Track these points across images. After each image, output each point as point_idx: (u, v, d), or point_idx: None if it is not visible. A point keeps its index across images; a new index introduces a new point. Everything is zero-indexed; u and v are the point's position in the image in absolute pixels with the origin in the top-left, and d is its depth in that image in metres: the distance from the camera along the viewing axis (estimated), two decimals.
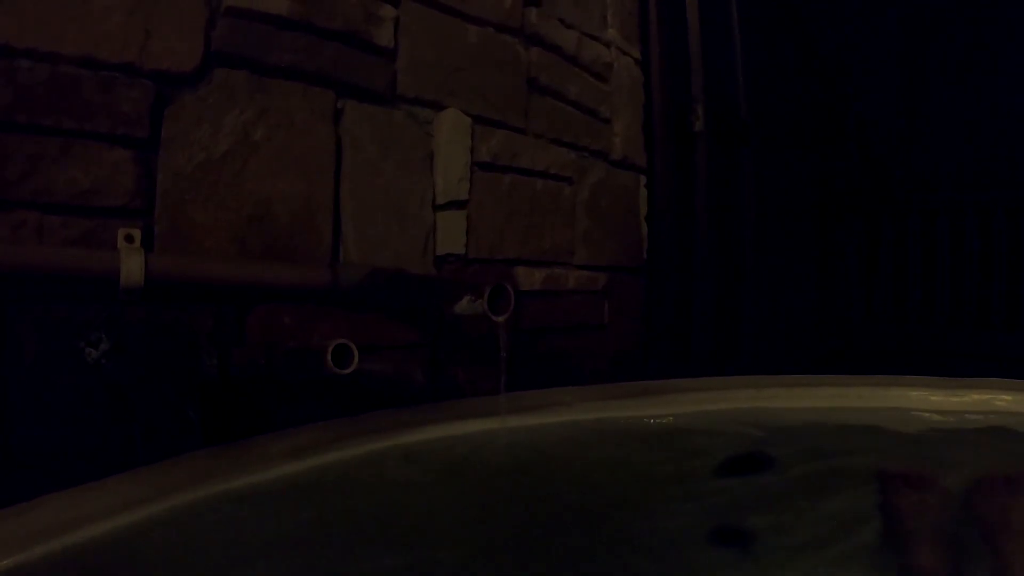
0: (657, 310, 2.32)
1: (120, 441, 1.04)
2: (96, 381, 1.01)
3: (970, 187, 5.49)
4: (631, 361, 2.26)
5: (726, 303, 2.75)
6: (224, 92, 1.26)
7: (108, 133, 1.10)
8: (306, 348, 1.13)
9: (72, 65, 1.08)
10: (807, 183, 4.86)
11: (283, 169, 1.32)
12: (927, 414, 1.69)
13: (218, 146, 1.24)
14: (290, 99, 1.35)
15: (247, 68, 1.29)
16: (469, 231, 1.65)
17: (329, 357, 1.11)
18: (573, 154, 2.00)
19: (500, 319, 1.33)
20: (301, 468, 1.01)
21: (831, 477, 1.51)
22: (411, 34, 1.58)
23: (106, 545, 0.82)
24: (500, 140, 1.75)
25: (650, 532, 1.33)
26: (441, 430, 1.15)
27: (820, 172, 5.20)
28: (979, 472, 1.43)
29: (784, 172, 4.13)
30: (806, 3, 4.76)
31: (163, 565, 0.85)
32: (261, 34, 1.32)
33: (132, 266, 1.04)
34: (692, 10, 2.42)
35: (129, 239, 1.08)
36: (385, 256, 1.45)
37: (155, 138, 1.16)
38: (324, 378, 1.15)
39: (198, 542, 0.89)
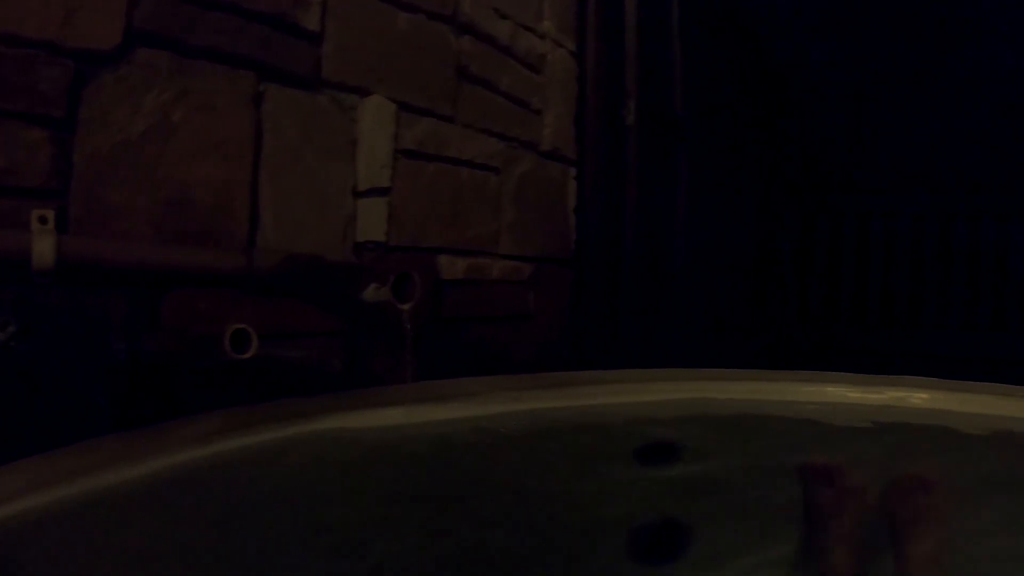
0: (585, 302, 2.45)
1: (32, 426, 1.10)
2: (4, 364, 1.07)
3: (905, 192, 5.82)
4: (558, 352, 2.38)
5: (655, 296, 2.90)
6: (145, 73, 1.31)
7: (26, 112, 1.15)
8: (211, 334, 1.20)
9: None
10: (747, 181, 5.08)
11: (202, 153, 1.39)
12: (844, 410, 1.77)
13: (136, 127, 1.29)
14: (212, 82, 1.42)
15: (170, 49, 1.34)
16: (391, 219, 1.73)
17: (227, 342, 1.18)
18: (502, 144, 2.10)
19: (405, 307, 1.42)
20: (204, 454, 1.07)
21: (750, 470, 1.61)
22: (339, 18, 1.64)
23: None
24: (426, 128, 1.84)
25: (563, 528, 1.44)
26: (340, 420, 1.22)
27: (760, 170, 5.45)
28: (894, 470, 1.53)
29: (723, 169, 4.31)
30: (753, 5, 4.95)
31: (50, 560, 0.90)
32: (186, 14, 1.37)
33: (43, 248, 1.10)
34: (631, 5, 2.54)
35: (43, 220, 1.14)
36: (304, 243, 1.53)
37: (72, 118, 1.21)
38: (237, 364, 1.23)
39: (89, 532, 0.94)
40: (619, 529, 1.49)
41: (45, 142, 1.18)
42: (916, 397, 1.78)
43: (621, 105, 2.50)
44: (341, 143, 1.65)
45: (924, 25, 6.02)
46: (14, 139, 1.15)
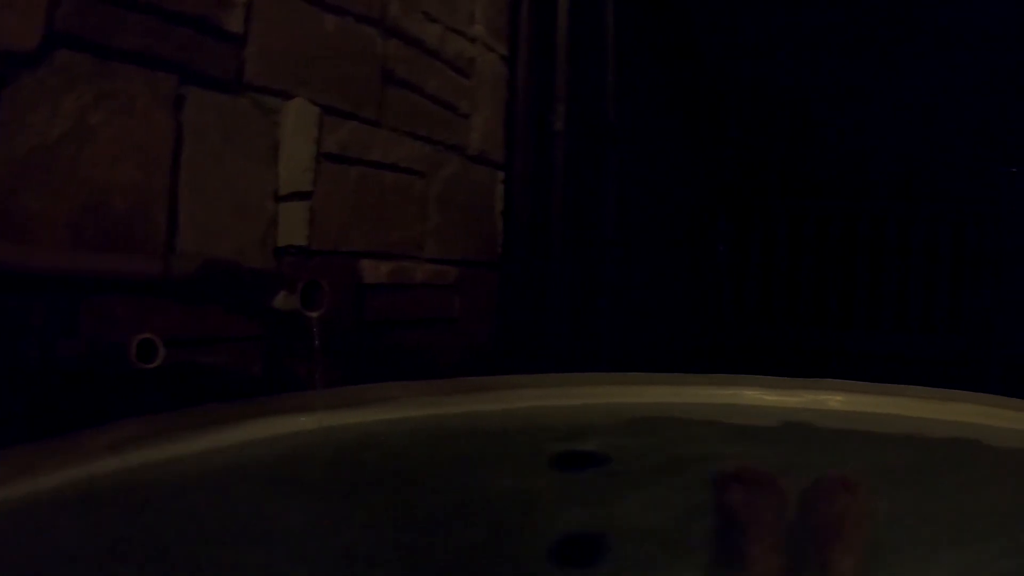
0: (512, 305, 2.53)
1: None
2: None
3: (838, 196, 6.06)
4: (485, 356, 2.45)
5: (584, 299, 2.99)
6: (64, 75, 1.33)
7: None
8: (122, 342, 1.24)
9: None
10: (682, 184, 5.23)
11: (122, 157, 1.42)
12: (760, 414, 1.84)
13: (54, 131, 1.32)
14: (133, 84, 1.44)
15: (90, 51, 1.36)
16: (312, 223, 1.78)
17: (133, 352, 1.22)
18: (428, 148, 2.16)
19: (314, 315, 1.48)
20: (113, 466, 1.11)
21: (668, 475, 1.65)
22: (264, 20, 1.68)
23: None
24: (350, 132, 1.89)
25: (476, 535, 1.49)
26: (249, 429, 1.27)
27: (696, 174, 5.62)
28: (812, 473, 1.55)
29: (658, 172, 4.44)
30: (692, 9, 5.11)
31: None
32: (107, 16, 1.39)
33: None
34: (563, 10, 2.63)
35: None
36: (224, 247, 1.57)
37: None
38: (156, 371, 1.27)
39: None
40: (536, 535, 1.55)
41: None
42: (833, 400, 1.85)
43: (550, 110, 2.59)
44: (263, 147, 1.69)
45: (858, 35, 6.28)
46: None
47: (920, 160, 6.25)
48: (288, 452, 1.32)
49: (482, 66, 2.39)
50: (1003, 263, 4.29)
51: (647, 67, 4.26)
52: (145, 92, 1.47)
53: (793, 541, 1.48)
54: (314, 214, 1.78)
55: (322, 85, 1.81)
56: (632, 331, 3.87)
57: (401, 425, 1.50)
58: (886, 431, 1.75)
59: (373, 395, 1.56)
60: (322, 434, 1.35)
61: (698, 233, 5.72)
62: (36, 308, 1.26)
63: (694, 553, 1.54)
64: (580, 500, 1.60)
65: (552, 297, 2.61)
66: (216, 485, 1.20)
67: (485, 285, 2.43)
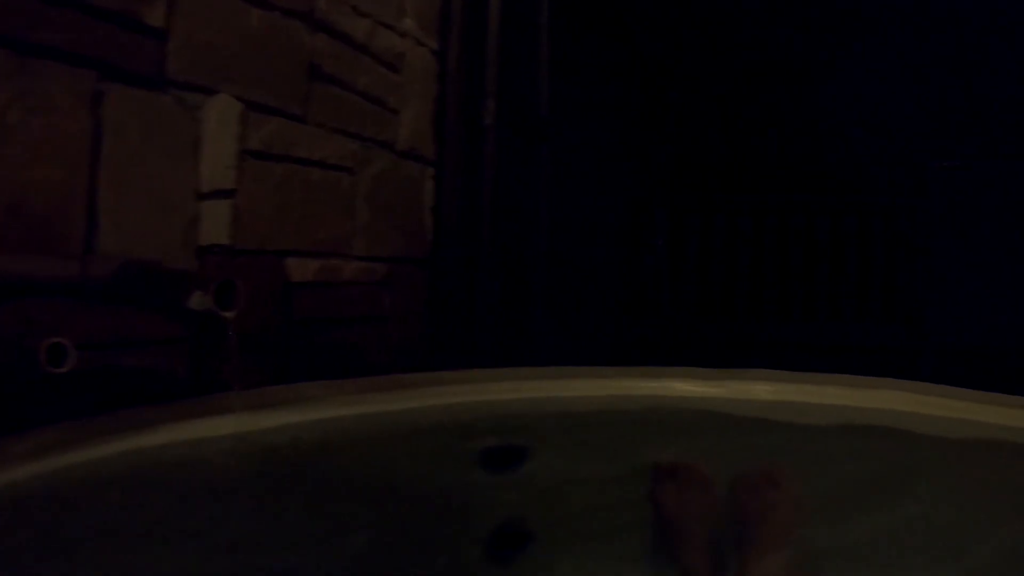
0: (442, 302, 2.57)
1: None
2: None
3: (773, 190, 6.28)
4: (415, 353, 2.49)
5: (516, 295, 3.06)
6: None
7: None
8: (34, 347, 1.25)
9: None
10: (622, 178, 5.34)
11: (40, 156, 1.42)
12: (689, 405, 1.86)
13: None
14: (52, 81, 1.44)
15: (8, 47, 1.36)
16: (236, 222, 1.79)
17: (43, 356, 1.23)
18: (356, 144, 2.19)
19: (229, 315, 1.50)
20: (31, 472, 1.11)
21: (598, 470, 1.69)
22: (187, 15, 1.68)
23: None
24: (275, 128, 1.90)
25: (401, 535, 1.48)
26: (166, 433, 1.29)
27: (636, 168, 5.76)
28: (740, 465, 1.62)
29: (596, 167, 4.53)
30: (629, 5, 5.23)
31: None
32: (27, 11, 1.39)
33: None
34: (495, 5, 2.68)
35: None
36: (145, 248, 1.58)
37: None
38: (77, 375, 1.29)
39: None
40: (463, 532, 1.58)
41: None
42: (759, 389, 1.88)
43: (481, 105, 2.64)
44: (185, 144, 1.70)
45: (793, 31, 6.49)
46: None
47: (854, 155, 6.50)
48: (204, 455, 1.33)
49: (412, 61, 2.43)
50: (932, 254, 4.50)
51: (584, 62, 4.35)
52: (65, 89, 1.47)
53: (721, 535, 1.54)
54: (238, 212, 1.80)
55: (246, 81, 1.83)
56: (568, 326, 3.95)
57: (322, 425, 1.51)
58: (813, 421, 1.80)
59: (295, 395, 1.57)
60: (239, 436, 1.36)
61: (636, 227, 5.85)
62: None
63: (627, 550, 1.59)
64: (508, 496, 1.63)
65: (482, 293, 2.66)
66: (131, 490, 1.22)
67: (415, 282, 2.48)
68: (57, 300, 1.42)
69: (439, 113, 2.53)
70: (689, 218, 6.00)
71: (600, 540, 1.60)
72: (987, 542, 1.53)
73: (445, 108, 2.52)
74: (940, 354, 4.49)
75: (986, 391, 1.82)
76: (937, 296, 4.45)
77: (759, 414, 1.82)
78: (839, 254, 5.82)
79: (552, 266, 3.38)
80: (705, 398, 1.86)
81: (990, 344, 4.46)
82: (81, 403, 1.36)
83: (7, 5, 1.37)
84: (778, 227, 5.92)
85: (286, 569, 1.25)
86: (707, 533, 1.54)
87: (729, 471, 1.60)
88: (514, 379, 1.88)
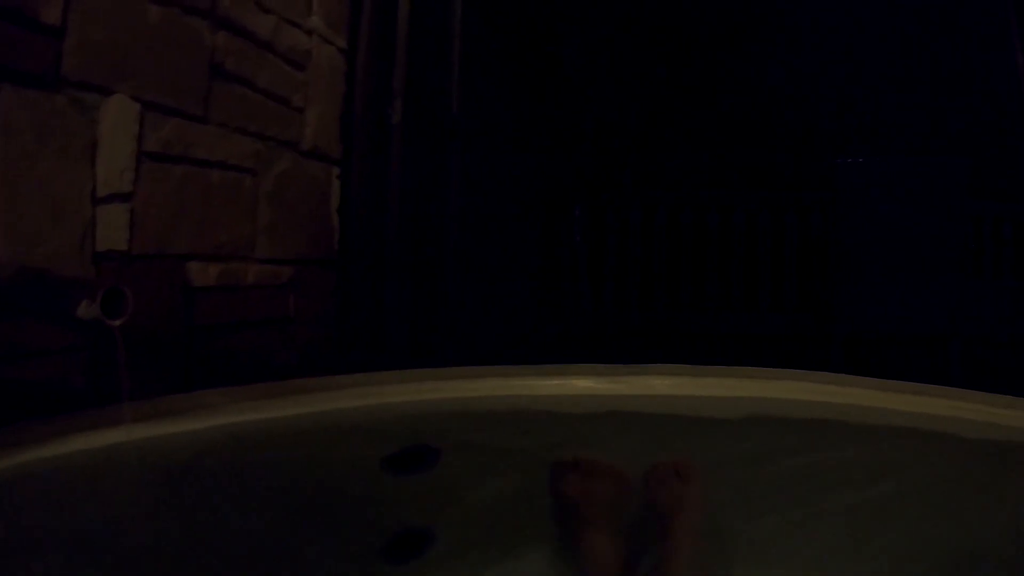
0: (351, 304, 2.60)
1: None
2: None
3: (689, 186, 6.58)
4: (324, 355, 2.50)
5: (427, 295, 3.11)
6: None
7: None
8: None
9: None
10: (539, 176, 5.44)
11: None
12: (590, 402, 1.90)
13: None
14: None
15: None
16: (134, 226, 1.78)
17: None
18: (259, 144, 2.19)
19: (116, 323, 1.51)
20: None
21: (500, 467, 1.73)
22: (83, 12, 1.66)
23: None
24: (174, 129, 1.90)
25: (307, 541, 1.53)
26: (53, 447, 1.30)
27: (553, 166, 5.90)
28: (645, 459, 1.69)
29: (512, 165, 4.60)
30: (545, 5, 5.38)
31: None
32: None
33: None
34: (405, 4, 2.72)
35: None
36: (39, 255, 1.57)
37: None
38: None
39: None
40: (367, 536, 1.61)
41: None
42: (659, 383, 1.93)
43: (388, 104, 2.68)
44: (81, 146, 1.68)
45: (706, 30, 6.81)
46: None
47: (768, 151, 6.82)
48: (94, 466, 1.34)
49: (319, 59, 2.44)
50: (839, 246, 4.75)
51: (499, 59, 4.41)
52: None
53: (636, 528, 1.63)
54: (135, 216, 1.79)
55: (145, 80, 1.82)
56: (484, 325, 4.01)
57: (218, 432, 1.52)
58: (715, 414, 1.85)
59: (192, 403, 1.57)
60: (131, 446, 1.36)
61: (553, 223, 5.99)
62: None
63: (528, 543, 1.67)
64: (412, 498, 1.68)
65: (391, 294, 2.70)
66: (16, 506, 1.23)
67: (322, 284, 2.50)
68: None
69: (346, 112, 2.55)
70: (607, 214, 6.20)
71: (501, 539, 1.68)
72: (892, 529, 1.64)
73: (352, 107, 2.55)
74: (848, 342, 4.75)
75: (887, 378, 1.91)
76: (844, 286, 4.71)
77: (659, 409, 1.87)
78: (754, 247, 6.11)
79: (466, 265, 3.44)
80: (606, 395, 1.91)
81: (894, 332, 4.73)
82: None
83: None
84: (694, 222, 6.17)
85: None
86: (615, 522, 1.62)
87: (634, 466, 1.68)
88: (418, 380, 1.89)
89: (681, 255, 6.21)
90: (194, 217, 1.98)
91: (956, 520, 1.63)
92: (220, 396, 1.65)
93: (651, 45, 6.87)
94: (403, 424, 1.79)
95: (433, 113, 3.06)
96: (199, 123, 1.98)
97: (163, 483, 1.43)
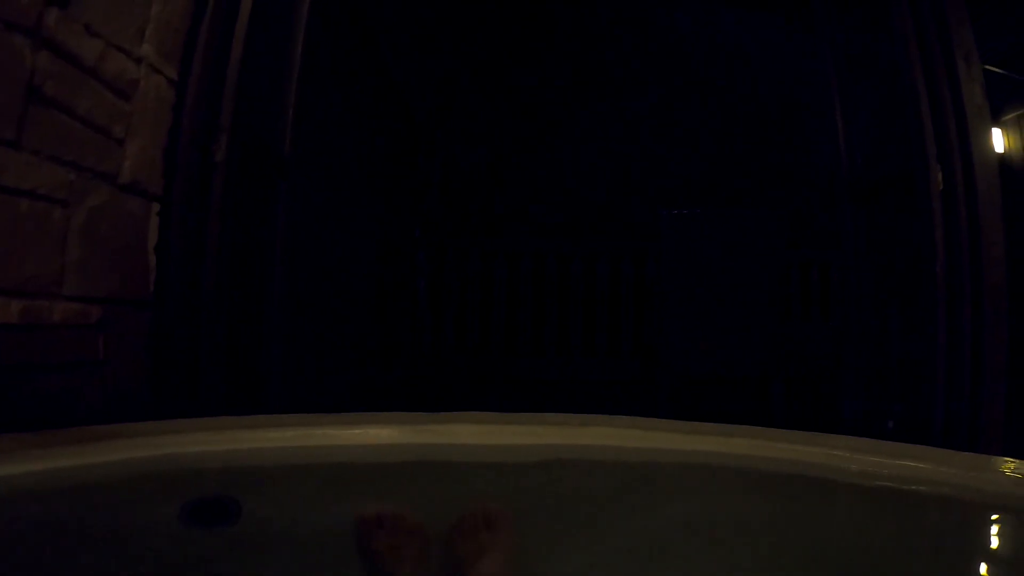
0: (166, 348, 2.53)
1: None
2: None
3: (529, 235, 6.85)
4: (137, 400, 2.41)
5: (248, 341, 3.05)
6: None
7: None
8: None
9: None
10: (383, 221, 5.48)
11: None
12: (389, 452, 1.90)
13: None
14: None
15: None
16: None
17: None
18: (74, 174, 2.11)
19: None
20: None
21: (301, 520, 1.70)
22: None
23: None
24: None
25: None
26: None
27: (398, 213, 5.98)
28: (451, 508, 1.70)
29: (354, 211, 4.61)
30: (395, 51, 5.50)
31: None
32: None
33: None
34: (238, 41, 2.70)
35: None
36: None
37: None
38: None
39: None
40: None
41: None
42: (466, 431, 1.96)
43: (213, 140, 2.64)
44: None
45: (548, 88, 7.22)
46: None
47: (605, 204, 7.20)
48: None
49: (146, 89, 2.39)
50: (664, 293, 5.00)
51: (345, 107, 4.42)
52: None
53: None
54: None
55: None
56: (313, 371, 3.97)
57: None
58: (517, 460, 1.90)
59: None
60: None
61: (396, 268, 6.05)
62: None
63: None
64: (215, 554, 1.63)
65: (207, 339, 2.64)
66: None
67: (136, 325, 2.42)
68: None
69: (171, 146, 2.50)
70: (449, 260, 6.33)
71: None
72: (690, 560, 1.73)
73: (178, 142, 2.50)
74: (672, 385, 5.00)
75: (714, 420, 2.05)
76: (669, 332, 4.99)
77: (464, 457, 1.91)
78: (591, 294, 6.36)
79: (295, 310, 3.40)
80: (409, 444, 1.93)
81: (718, 375, 5.01)
82: None
83: None
84: (534, 270, 6.36)
85: None
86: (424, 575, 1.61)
87: (439, 515, 1.69)
88: (217, 429, 1.87)
89: (521, 302, 6.40)
90: None
91: (750, 549, 1.76)
92: (12, 442, 1.59)
93: (498, 97, 7.14)
94: (201, 475, 1.75)
95: (263, 153, 3.04)
96: (12, 149, 1.90)
97: None
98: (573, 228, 7.10)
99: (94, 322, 2.23)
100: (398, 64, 5.75)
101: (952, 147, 2.74)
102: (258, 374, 3.11)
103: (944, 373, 2.65)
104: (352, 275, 4.97)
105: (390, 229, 5.88)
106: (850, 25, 3.91)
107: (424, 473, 1.89)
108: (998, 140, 5.71)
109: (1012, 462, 1.76)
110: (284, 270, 3.16)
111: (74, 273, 2.15)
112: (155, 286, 2.48)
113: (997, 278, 2.63)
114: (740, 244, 4.93)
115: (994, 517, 1.66)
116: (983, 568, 1.62)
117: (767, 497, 1.83)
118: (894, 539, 1.71)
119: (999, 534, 1.65)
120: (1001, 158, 5.55)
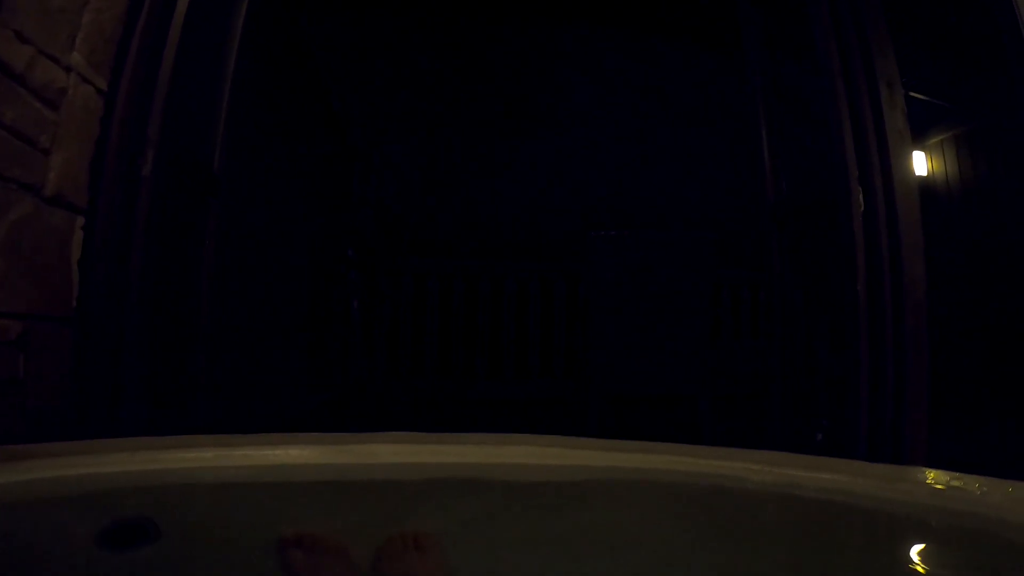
0: (89, 366, 2.46)
1: None
2: None
3: (461, 256, 6.90)
4: (58, 420, 2.35)
5: (174, 359, 2.99)
6: None
7: None
8: None
9: None
10: (316, 240, 5.44)
11: None
12: (314, 472, 1.89)
13: None
14: None
15: None
16: None
17: None
18: None
19: None
20: None
21: (221, 542, 1.68)
22: None
23: None
24: None
25: None
26: None
27: (331, 233, 5.96)
28: (378, 529, 1.68)
29: (286, 230, 4.57)
30: (332, 76, 5.55)
31: None
32: None
33: None
34: (170, 53, 2.68)
35: None
36: None
37: None
38: None
39: None
40: None
41: None
42: (384, 451, 1.96)
43: (140, 153, 2.60)
44: None
45: (485, 113, 7.37)
46: None
47: (537, 226, 7.28)
48: None
49: (74, 98, 2.35)
50: (594, 313, 5.05)
51: (279, 127, 4.40)
52: None
53: None
54: None
55: None
56: (242, 392, 3.91)
57: None
58: (447, 476, 1.92)
59: None
60: None
61: (329, 289, 6.01)
62: None
63: None
64: None
65: (130, 357, 2.58)
66: None
67: (58, 343, 2.36)
68: None
69: (97, 159, 2.45)
70: (381, 281, 6.33)
71: None
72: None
73: (105, 154, 2.46)
74: (601, 404, 5.05)
75: (643, 437, 2.06)
76: (598, 351, 5.04)
77: (383, 476, 1.91)
78: (524, 315, 6.40)
79: (224, 329, 3.34)
80: (327, 464, 1.92)
81: (647, 393, 5.07)
82: None
83: None
84: (467, 290, 6.38)
85: None
86: None
87: (364, 536, 1.67)
88: (131, 449, 1.82)
89: (454, 324, 6.42)
90: None
91: (665, 561, 1.76)
92: None
93: (433, 123, 7.24)
94: (119, 496, 1.71)
95: (192, 168, 3.00)
96: None
97: None
98: (507, 251, 7.16)
99: (14, 338, 2.17)
100: (335, 88, 5.76)
101: (873, 170, 2.82)
102: (183, 394, 3.05)
103: (867, 388, 2.72)
104: (284, 295, 4.92)
105: (324, 250, 5.84)
106: (779, 59, 4.03)
107: (345, 493, 1.88)
108: (922, 163, 5.89)
109: (930, 472, 1.80)
110: (213, 288, 3.11)
111: None
112: (78, 302, 2.42)
113: (919, 295, 2.71)
114: (669, 264, 5.01)
115: (908, 527, 1.70)
116: None
117: (686, 509, 1.86)
118: (810, 549, 1.74)
119: (912, 543, 1.69)
120: (924, 180, 5.74)
